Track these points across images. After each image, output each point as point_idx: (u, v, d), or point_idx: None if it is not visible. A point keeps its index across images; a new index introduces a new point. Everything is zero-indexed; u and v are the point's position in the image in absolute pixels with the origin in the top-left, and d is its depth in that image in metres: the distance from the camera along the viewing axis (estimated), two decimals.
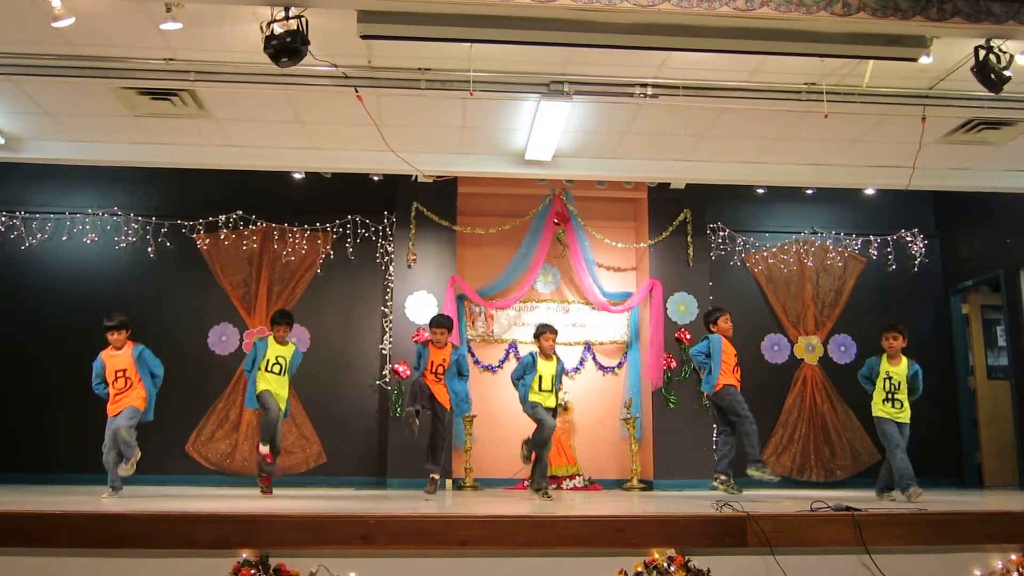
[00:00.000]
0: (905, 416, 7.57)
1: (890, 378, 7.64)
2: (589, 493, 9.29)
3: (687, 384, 10.19)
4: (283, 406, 7.92)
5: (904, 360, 7.65)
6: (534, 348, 8.16)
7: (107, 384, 7.26)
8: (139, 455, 7.20)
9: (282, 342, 7.98)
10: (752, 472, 7.51)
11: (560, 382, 8.08)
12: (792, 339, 10.92)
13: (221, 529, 4.71)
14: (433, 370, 7.88)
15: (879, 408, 7.64)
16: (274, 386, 7.85)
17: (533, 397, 7.78)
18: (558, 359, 8.03)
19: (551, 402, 7.87)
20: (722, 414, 7.84)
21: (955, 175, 9.22)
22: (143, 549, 4.65)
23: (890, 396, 7.61)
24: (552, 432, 7.82)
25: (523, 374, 7.87)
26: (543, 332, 8.00)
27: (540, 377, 7.81)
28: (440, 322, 8.12)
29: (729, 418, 7.73)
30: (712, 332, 7.93)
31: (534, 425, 7.80)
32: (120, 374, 7.24)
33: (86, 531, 4.68)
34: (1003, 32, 5.94)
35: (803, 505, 5.50)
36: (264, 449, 7.79)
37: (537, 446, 7.73)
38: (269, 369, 7.85)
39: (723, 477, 7.64)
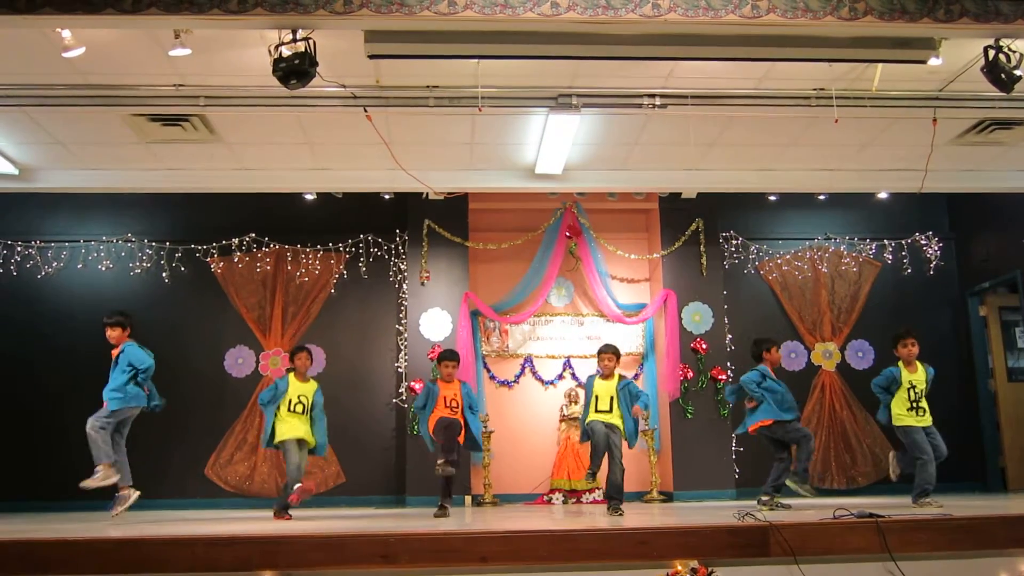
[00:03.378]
0: (929, 419, 7.49)
1: (913, 387, 7.50)
2: None
3: (704, 394, 10.14)
4: (311, 441, 7.62)
5: (919, 365, 7.57)
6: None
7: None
8: (110, 475, 7.02)
9: (303, 379, 7.71)
10: (789, 482, 7.66)
11: (630, 401, 7.51)
12: (809, 346, 10.86)
13: (243, 551, 4.71)
14: (447, 404, 7.63)
15: (904, 417, 7.47)
16: (295, 425, 7.52)
17: (589, 416, 7.54)
18: (621, 378, 7.65)
19: (611, 419, 7.44)
20: (776, 444, 7.89)
21: (968, 177, 9.17)
22: (166, 573, 4.66)
23: (915, 405, 7.48)
24: (600, 442, 7.28)
25: (587, 399, 7.67)
26: (602, 352, 7.73)
27: (596, 398, 7.54)
28: (450, 355, 7.84)
29: (787, 440, 7.83)
30: (763, 360, 8.02)
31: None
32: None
33: (109, 556, 4.69)
34: (1012, 31, 5.91)
35: (826, 513, 5.45)
36: (297, 486, 7.34)
37: (592, 461, 7.34)
38: (291, 409, 7.55)
39: (765, 498, 7.65)
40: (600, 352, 7.74)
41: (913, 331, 7.63)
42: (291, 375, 7.74)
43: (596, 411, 7.50)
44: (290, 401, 7.57)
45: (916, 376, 7.52)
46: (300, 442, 7.55)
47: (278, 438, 7.50)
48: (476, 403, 8.01)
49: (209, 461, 10.06)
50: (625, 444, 7.56)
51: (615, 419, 7.45)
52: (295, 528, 5.72)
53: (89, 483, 6.99)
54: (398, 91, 7.00)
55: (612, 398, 7.49)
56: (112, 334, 7.32)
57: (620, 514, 6.99)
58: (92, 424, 7.09)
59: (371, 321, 10.64)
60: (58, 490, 9.68)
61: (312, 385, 7.79)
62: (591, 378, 7.76)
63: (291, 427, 7.51)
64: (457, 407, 7.63)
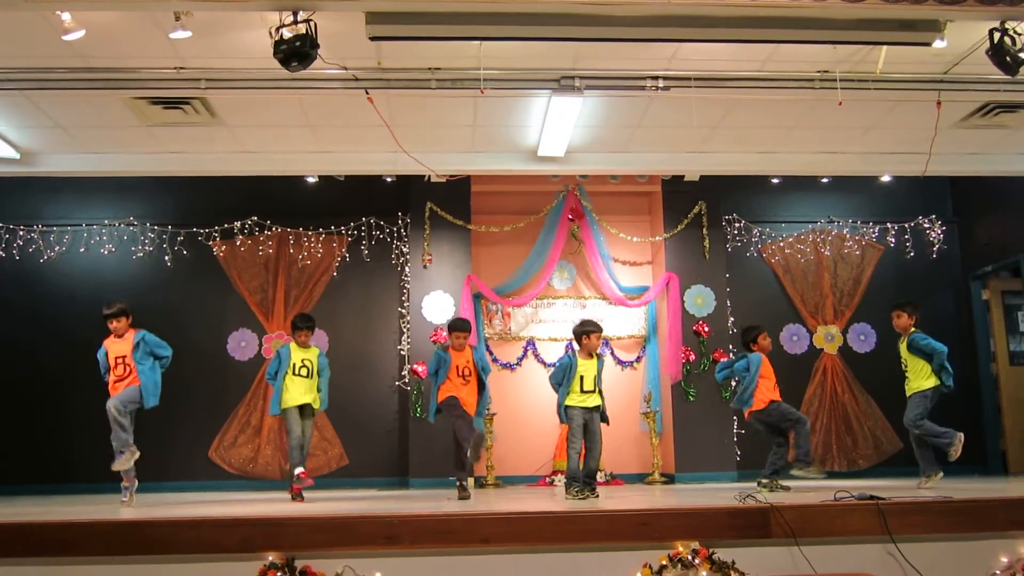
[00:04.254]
0: (908, 390, 7.59)
1: (901, 358, 7.71)
2: (611, 488, 9.27)
3: (706, 377, 10.15)
4: (316, 406, 7.83)
5: (907, 335, 7.63)
6: (573, 346, 7.63)
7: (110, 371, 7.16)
8: (136, 453, 6.97)
9: (304, 346, 7.89)
10: (796, 471, 7.62)
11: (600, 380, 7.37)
12: (811, 329, 10.87)
13: (247, 532, 4.73)
14: (460, 373, 7.57)
15: None
16: (301, 391, 7.71)
17: (570, 400, 7.13)
18: (599, 356, 7.39)
19: (594, 401, 7.17)
20: (771, 428, 7.82)
21: (972, 160, 9.14)
22: (171, 555, 4.68)
23: (905, 375, 7.67)
24: (579, 454, 7.13)
25: (563, 378, 7.18)
26: (592, 331, 7.28)
27: (581, 378, 7.12)
28: (463, 325, 7.76)
29: (782, 427, 7.75)
30: (752, 351, 7.90)
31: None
32: (120, 360, 7.11)
33: (114, 538, 4.71)
34: (1018, 14, 5.87)
35: (826, 495, 5.47)
36: (298, 470, 7.48)
37: (570, 466, 7.14)
38: (296, 373, 7.75)
39: (765, 481, 7.62)
40: (590, 332, 7.29)
41: (903, 304, 7.70)
42: (292, 344, 7.93)
43: (582, 391, 7.14)
44: (294, 365, 7.77)
45: (901, 347, 7.65)
46: (303, 410, 7.74)
47: (283, 405, 7.68)
48: (487, 364, 7.97)
49: (213, 444, 10.10)
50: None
51: (597, 399, 7.23)
52: (299, 510, 5.74)
53: (121, 465, 6.95)
54: (400, 73, 6.98)
55: (595, 377, 7.24)
56: (119, 325, 7.18)
57: (583, 497, 6.86)
58: (118, 407, 6.96)
59: (373, 304, 10.65)
60: (60, 473, 9.78)
61: (314, 350, 7.98)
62: (573, 357, 7.27)
63: (296, 392, 7.71)
64: (470, 374, 7.59)
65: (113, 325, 7.20)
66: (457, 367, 7.59)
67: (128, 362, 7.10)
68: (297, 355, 7.83)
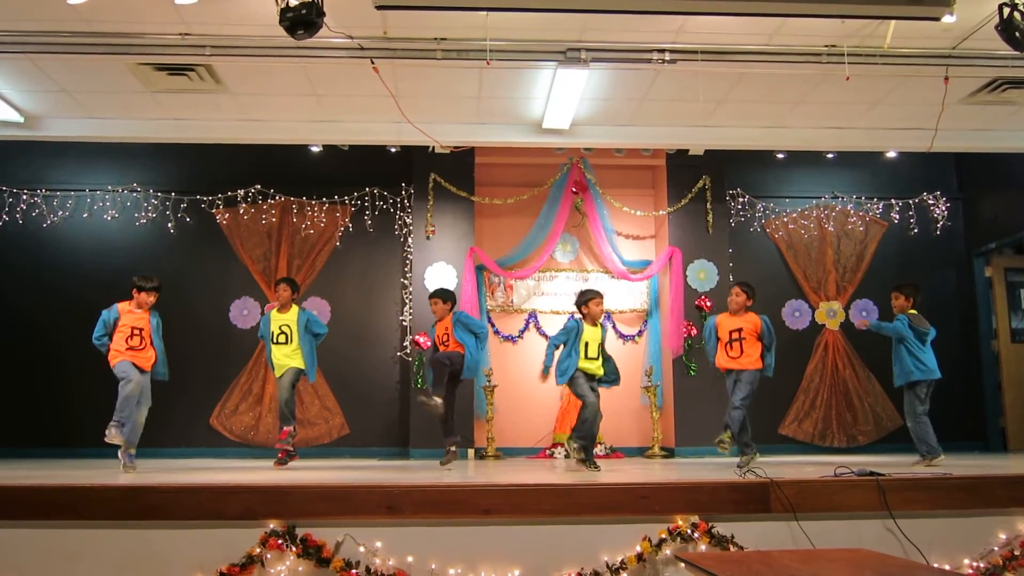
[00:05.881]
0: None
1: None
2: (611, 461, 9.32)
3: None
4: (299, 365, 7.93)
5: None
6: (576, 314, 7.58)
7: (109, 337, 7.38)
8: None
9: (285, 310, 8.05)
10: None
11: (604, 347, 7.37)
12: (813, 305, 10.87)
13: (248, 500, 4.77)
14: (442, 342, 7.59)
15: None
16: (279, 359, 7.97)
17: (581, 364, 7.10)
18: (602, 326, 7.39)
19: (597, 369, 7.19)
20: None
21: (978, 136, 9.10)
22: (173, 521, 4.72)
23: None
24: (597, 407, 7.13)
25: (566, 340, 7.17)
26: (592, 297, 7.28)
27: (587, 344, 7.12)
28: (435, 292, 7.72)
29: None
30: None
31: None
32: (137, 332, 7.36)
33: (117, 504, 4.75)
34: None
35: (826, 471, 5.50)
36: (282, 430, 7.86)
37: (587, 430, 7.10)
38: (276, 341, 7.98)
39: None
40: (591, 298, 7.29)
41: (901, 286, 7.73)
42: (273, 311, 8.12)
43: (586, 358, 7.14)
44: (273, 334, 8.01)
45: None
46: (283, 376, 7.96)
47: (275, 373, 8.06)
48: (474, 323, 7.68)
49: (214, 411, 10.15)
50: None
51: (600, 368, 7.24)
52: (300, 478, 5.78)
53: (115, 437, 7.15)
54: (405, 43, 6.93)
55: (599, 345, 7.26)
56: (151, 299, 7.43)
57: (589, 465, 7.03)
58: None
59: (376, 274, 10.65)
60: (62, 437, 9.83)
61: (292, 313, 8.07)
62: (579, 322, 7.24)
63: (276, 363, 8.00)
64: (448, 340, 7.53)
65: (149, 298, 7.41)
66: (438, 336, 7.67)
67: (146, 335, 7.40)
68: (275, 322, 8.04)
